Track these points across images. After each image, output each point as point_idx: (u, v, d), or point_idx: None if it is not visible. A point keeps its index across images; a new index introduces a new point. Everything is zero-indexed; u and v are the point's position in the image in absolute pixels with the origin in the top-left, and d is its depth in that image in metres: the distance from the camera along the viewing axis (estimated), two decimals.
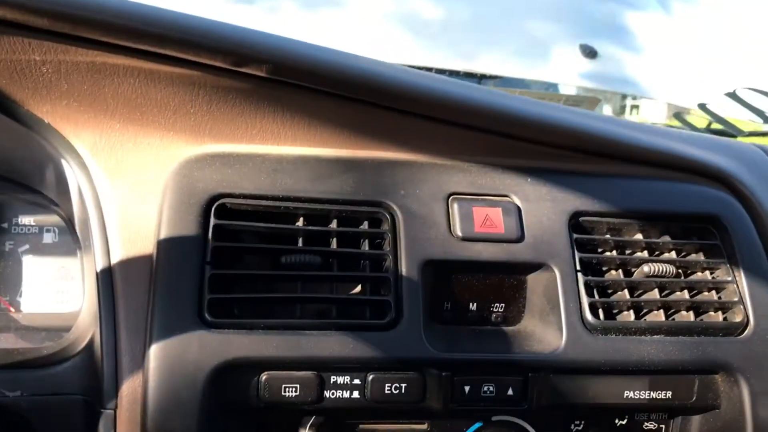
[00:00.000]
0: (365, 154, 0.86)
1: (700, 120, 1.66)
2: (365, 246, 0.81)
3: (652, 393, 0.82)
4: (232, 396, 0.75)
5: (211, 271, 0.75)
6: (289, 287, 0.79)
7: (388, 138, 0.86)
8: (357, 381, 0.77)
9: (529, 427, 0.86)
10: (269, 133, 0.84)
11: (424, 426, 0.84)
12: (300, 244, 0.79)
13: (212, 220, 0.77)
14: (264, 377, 0.75)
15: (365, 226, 0.82)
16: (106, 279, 0.78)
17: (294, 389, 0.75)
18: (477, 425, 0.85)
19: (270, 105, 0.82)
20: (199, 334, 0.73)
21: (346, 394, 0.77)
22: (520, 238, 0.82)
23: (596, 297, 0.82)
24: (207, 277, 0.75)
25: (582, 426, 0.87)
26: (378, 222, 0.82)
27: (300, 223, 0.80)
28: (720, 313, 0.85)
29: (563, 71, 1.87)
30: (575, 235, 0.84)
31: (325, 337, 0.75)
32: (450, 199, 0.83)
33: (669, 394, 0.83)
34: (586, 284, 0.82)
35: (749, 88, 1.46)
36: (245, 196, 0.80)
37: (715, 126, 1.59)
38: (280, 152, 0.84)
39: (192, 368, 0.72)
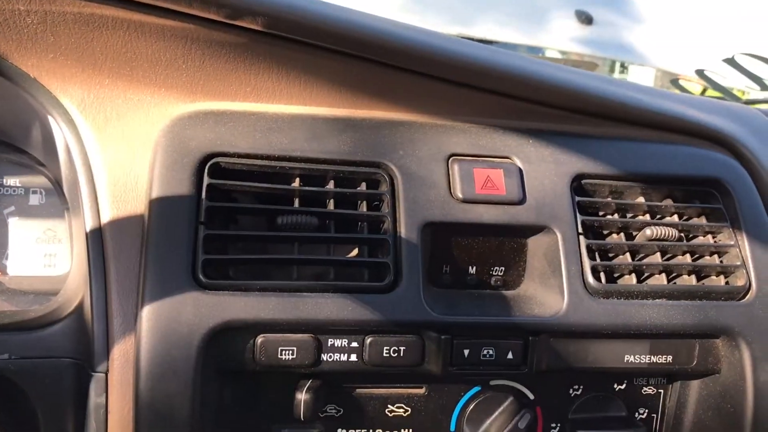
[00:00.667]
0: (363, 113, 0.83)
1: (695, 88, 1.64)
2: (363, 207, 0.79)
3: (652, 357, 0.81)
4: (227, 359, 0.73)
5: (206, 232, 0.73)
6: (285, 249, 0.77)
7: (387, 97, 0.83)
8: (355, 344, 0.75)
9: (527, 392, 0.85)
10: (264, 90, 0.82)
11: (422, 390, 0.83)
12: (296, 204, 0.77)
13: (206, 180, 0.75)
14: (260, 340, 0.73)
15: (363, 187, 0.80)
16: (96, 240, 0.76)
17: (291, 352, 0.74)
18: (475, 389, 0.84)
19: (265, 61, 0.79)
20: (194, 296, 0.71)
21: (344, 357, 0.75)
22: (522, 201, 0.80)
23: (598, 260, 0.81)
24: (201, 237, 0.73)
25: (581, 391, 0.86)
26: (376, 183, 0.80)
27: (296, 183, 0.78)
28: (722, 277, 0.83)
29: (559, 37, 1.84)
30: (577, 198, 0.82)
31: (323, 299, 0.73)
32: (450, 160, 0.81)
33: (669, 358, 0.82)
34: (588, 247, 0.80)
35: (747, 54, 1.44)
36: (239, 155, 0.77)
37: (711, 93, 1.57)
38: (275, 110, 0.81)
39: (186, 330, 0.70)
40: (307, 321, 0.73)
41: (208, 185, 0.75)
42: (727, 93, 1.46)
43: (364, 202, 0.79)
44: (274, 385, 0.79)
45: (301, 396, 0.75)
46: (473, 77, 0.81)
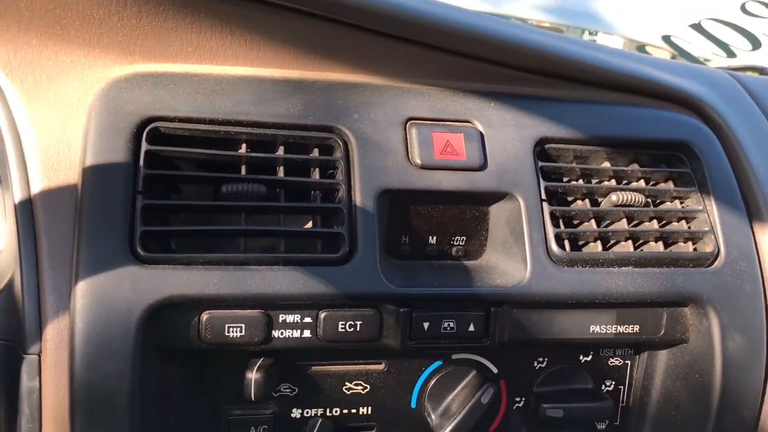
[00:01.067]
0: (315, 75, 0.78)
1: (662, 55, 1.61)
2: (316, 175, 0.74)
3: (619, 327, 0.78)
4: (169, 337, 0.69)
5: (144, 202, 0.68)
6: (231, 219, 0.72)
7: (341, 58, 0.79)
8: (308, 319, 0.71)
9: (490, 365, 0.82)
10: (207, 50, 0.76)
11: (381, 366, 0.79)
12: (243, 172, 0.72)
13: (144, 146, 0.70)
14: (205, 316, 0.69)
15: (315, 153, 0.75)
16: (26, 212, 0.70)
17: (238, 329, 0.69)
18: (436, 364, 0.81)
19: (208, 19, 0.74)
20: (131, 270, 0.66)
21: (297, 334, 0.71)
22: (483, 166, 0.76)
23: (562, 227, 0.77)
24: (139, 207, 0.68)
25: (545, 363, 0.83)
26: (329, 149, 0.75)
27: (243, 149, 0.73)
28: (690, 243, 0.81)
29: (525, 6, 1.80)
30: (540, 163, 0.79)
31: (273, 272, 0.69)
32: (408, 125, 0.77)
33: (637, 328, 0.79)
34: (552, 214, 0.77)
35: (713, 19, 1.41)
36: (180, 120, 0.72)
37: (679, 60, 1.55)
38: (219, 72, 0.76)
39: (124, 307, 0.66)
40: (256, 296, 0.68)
41: (147, 152, 0.70)
42: (693, 60, 1.44)
43: (317, 169, 0.75)
44: (222, 363, 0.74)
45: (252, 375, 0.71)
46: (431, 36, 0.76)
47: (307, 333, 0.71)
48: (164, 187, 0.72)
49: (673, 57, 1.46)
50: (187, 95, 0.73)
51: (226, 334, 0.69)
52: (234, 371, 0.73)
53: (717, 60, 1.41)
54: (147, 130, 0.70)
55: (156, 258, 0.67)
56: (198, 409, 0.76)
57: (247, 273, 0.68)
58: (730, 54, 1.39)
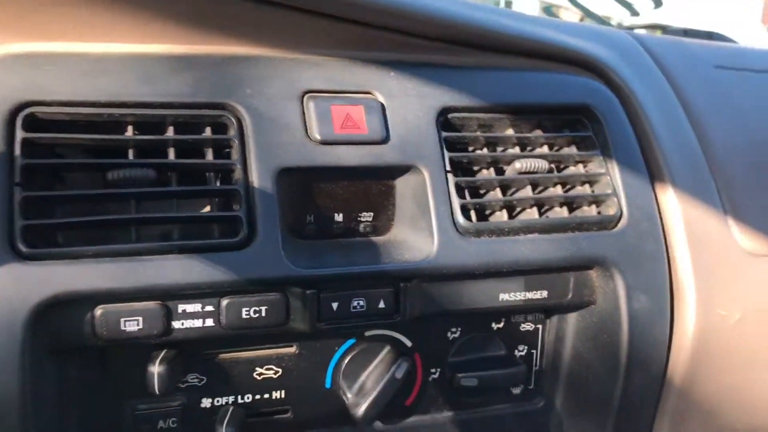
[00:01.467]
0: (204, 49, 0.74)
1: (572, 17, 1.62)
2: (209, 156, 0.71)
3: (527, 294, 0.79)
4: (62, 337, 0.65)
5: (23, 194, 0.63)
6: (122, 208, 0.68)
7: (231, 30, 0.74)
8: (209, 308, 0.68)
9: (404, 339, 0.81)
10: (87, 27, 0.71)
11: (293, 349, 0.78)
12: (131, 156, 0.68)
13: (19, 133, 0.65)
14: (99, 312, 0.65)
15: (208, 132, 0.71)
16: None
17: (136, 322, 0.66)
18: (349, 342, 0.79)
19: None
20: (13, 268, 0.62)
21: (198, 323, 0.68)
22: (385, 139, 0.74)
23: (468, 198, 0.77)
24: (17, 200, 0.63)
25: (459, 333, 0.83)
26: (223, 127, 0.72)
27: (129, 132, 0.69)
28: (594, 206, 0.81)
29: None
30: (444, 134, 0.77)
31: (168, 261, 0.65)
32: (305, 98, 0.74)
33: (545, 293, 0.80)
34: (457, 185, 0.76)
35: None
36: (60, 104, 0.67)
37: (587, 21, 1.56)
38: (101, 50, 0.71)
39: (7, 308, 0.61)
40: (151, 287, 0.65)
41: (23, 139, 0.65)
42: (599, 20, 1.45)
43: (211, 150, 0.71)
44: (124, 358, 0.71)
45: (154, 369, 0.68)
46: (325, 4, 0.73)
47: (209, 322, 0.68)
48: (47, 177, 0.67)
49: (582, 19, 1.46)
50: (66, 77, 0.68)
51: (123, 328, 0.66)
52: (137, 365, 0.70)
53: (621, 19, 1.43)
54: (22, 115, 0.65)
55: (40, 253, 0.63)
56: (102, 407, 0.72)
57: (140, 264, 0.65)
58: (634, 12, 1.40)
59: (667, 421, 0.86)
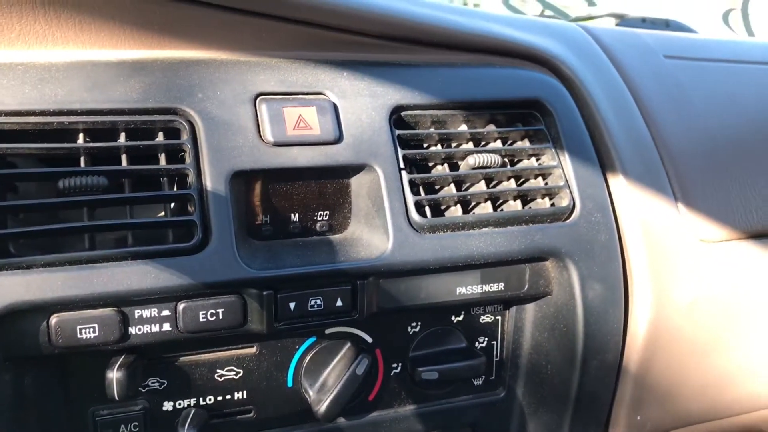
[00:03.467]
0: (153, 55, 0.74)
1: (534, 10, 1.63)
2: (163, 161, 0.71)
3: (484, 287, 0.80)
4: (17, 346, 0.65)
5: None
6: (75, 216, 0.68)
7: (180, 34, 0.75)
8: (166, 312, 0.69)
9: (365, 335, 0.82)
10: (32, 35, 0.71)
11: (253, 350, 0.78)
12: (83, 164, 0.68)
13: None
14: (54, 320, 0.65)
15: (160, 137, 0.71)
16: None
17: (92, 330, 0.66)
18: (310, 341, 0.80)
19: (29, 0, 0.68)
20: None
21: (155, 328, 0.68)
22: (338, 139, 0.75)
23: (422, 195, 0.78)
24: None
25: (419, 327, 0.84)
26: (175, 132, 0.72)
27: (80, 140, 0.69)
28: (547, 199, 0.83)
29: None
30: (397, 132, 0.78)
31: (122, 268, 0.66)
32: (257, 101, 0.74)
33: (501, 285, 0.81)
34: (411, 182, 0.77)
35: None
36: (8, 113, 0.67)
37: (548, 14, 1.57)
38: (47, 59, 0.71)
39: None
40: (107, 294, 0.65)
41: None
42: (558, 12, 1.46)
43: (164, 155, 0.71)
44: (83, 364, 0.71)
45: (113, 374, 0.68)
46: (273, 6, 0.74)
47: (166, 326, 0.69)
48: None
49: (542, 11, 1.48)
50: (12, 86, 0.67)
51: (79, 336, 0.66)
52: (96, 370, 0.70)
53: (578, 9, 1.44)
54: None
55: None
56: (63, 414, 0.72)
57: (94, 271, 0.65)
58: (590, 2, 1.41)
59: (625, 407, 0.88)
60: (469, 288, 0.80)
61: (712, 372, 0.90)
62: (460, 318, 0.86)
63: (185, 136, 0.71)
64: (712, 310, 0.88)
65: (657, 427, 0.92)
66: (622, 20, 1.40)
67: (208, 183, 0.70)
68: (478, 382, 0.89)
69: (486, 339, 0.88)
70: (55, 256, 0.64)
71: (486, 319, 0.87)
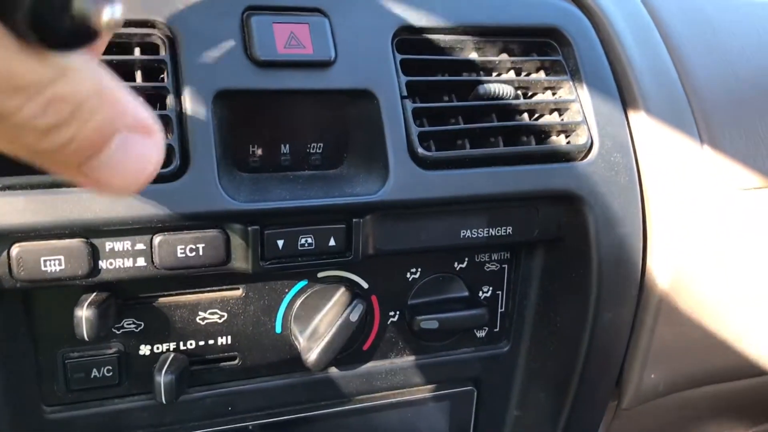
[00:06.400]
0: None
1: None
2: (138, 79, 0.64)
3: (491, 230, 0.74)
4: None
5: None
6: None
7: None
8: (141, 245, 0.62)
9: (360, 280, 0.76)
10: None
11: (239, 292, 0.72)
12: None
13: None
14: (15, 250, 0.59)
15: (136, 53, 0.64)
16: None
17: (57, 262, 0.60)
18: (301, 284, 0.74)
19: None
20: None
21: (129, 263, 0.62)
22: (333, 60, 0.68)
23: (426, 126, 0.70)
24: None
25: (419, 273, 0.78)
26: (153, 47, 0.65)
27: None
28: (563, 136, 0.75)
29: None
30: (401, 56, 0.71)
31: (91, 194, 0.59)
32: (245, 15, 0.66)
33: (510, 229, 0.74)
34: (415, 112, 0.70)
35: None
36: None
37: None
38: None
39: None
40: (72, 222, 0.59)
41: None
42: None
43: (140, 72, 0.64)
44: (51, 302, 0.65)
45: (82, 313, 0.62)
46: None
47: (141, 261, 0.62)
48: None
49: None
50: None
51: (44, 268, 0.59)
52: (65, 309, 0.64)
53: None
54: None
55: None
56: (30, 355, 0.67)
57: (59, 196, 0.58)
58: None
59: (638, 365, 0.82)
60: (474, 231, 0.73)
61: (733, 330, 0.84)
62: (464, 265, 0.80)
63: (163, 52, 0.64)
64: (737, 262, 0.81)
65: (671, 387, 0.86)
66: None
67: (188, 104, 0.63)
68: (480, 334, 0.83)
69: (491, 288, 0.82)
70: (17, 178, 0.58)
71: (491, 266, 0.81)
